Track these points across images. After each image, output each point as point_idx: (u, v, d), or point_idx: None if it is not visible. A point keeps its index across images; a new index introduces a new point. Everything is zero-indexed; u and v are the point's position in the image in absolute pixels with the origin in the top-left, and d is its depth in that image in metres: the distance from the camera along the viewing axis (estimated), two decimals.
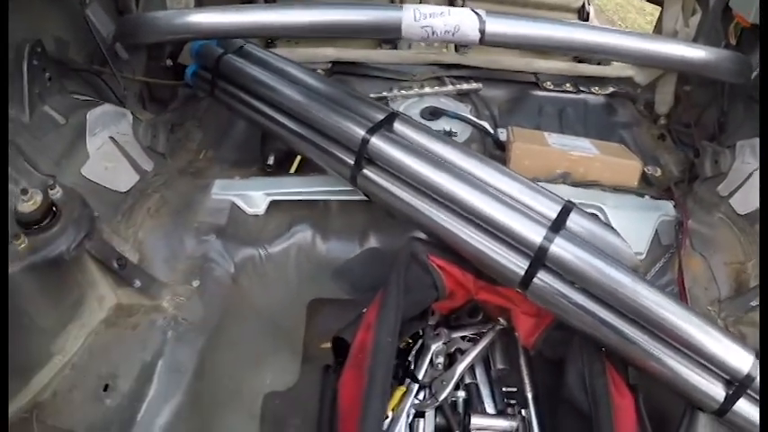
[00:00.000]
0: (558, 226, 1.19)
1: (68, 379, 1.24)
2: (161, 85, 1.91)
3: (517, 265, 1.20)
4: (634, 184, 1.64)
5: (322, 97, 1.45)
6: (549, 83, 2.04)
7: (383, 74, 2.02)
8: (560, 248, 1.15)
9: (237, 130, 1.86)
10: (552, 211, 1.22)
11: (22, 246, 1.18)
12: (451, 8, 1.28)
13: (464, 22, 1.28)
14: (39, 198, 1.20)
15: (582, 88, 2.05)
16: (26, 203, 1.19)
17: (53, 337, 1.26)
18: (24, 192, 1.18)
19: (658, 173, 1.75)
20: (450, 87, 1.95)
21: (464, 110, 1.89)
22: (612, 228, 1.27)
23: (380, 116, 1.39)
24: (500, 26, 1.28)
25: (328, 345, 1.40)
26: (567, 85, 2.05)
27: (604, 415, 1.13)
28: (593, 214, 1.35)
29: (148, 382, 1.25)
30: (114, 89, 1.69)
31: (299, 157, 1.66)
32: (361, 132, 1.34)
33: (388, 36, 1.37)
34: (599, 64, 2.18)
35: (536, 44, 1.37)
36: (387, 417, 1.28)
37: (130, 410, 1.21)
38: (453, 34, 1.29)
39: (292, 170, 1.67)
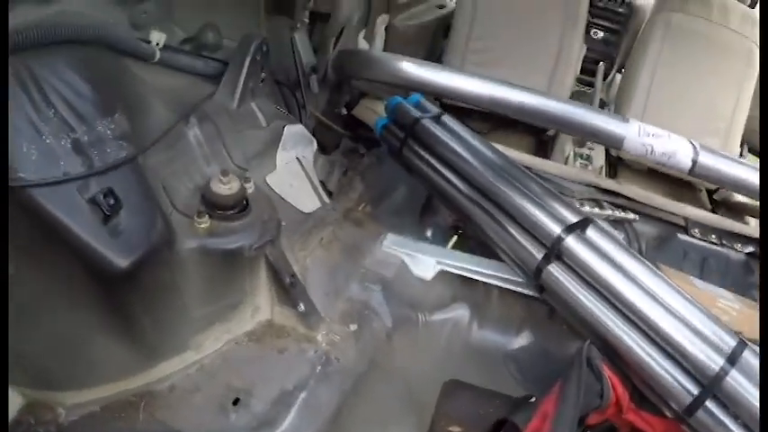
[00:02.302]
0: (733, 359, 1.17)
1: (192, 378, 1.19)
2: (333, 129, 1.95)
3: (688, 390, 1.18)
4: None
5: (519, 185, 1.47)
6: (696, 230, 2.04)
7: (543, 183, 2.03)
8: (735, 382, 1.13)
9: (398, 194, 1.86)
10: (726, 345, 1.21)
11: (203, 226, 1.14)
12: (672, 134, 1.31)
13: (680, 149, 1.31)
14: (236, 185, 1.17)
15: (724, 242, 2.05)
16: (223, 186, 1.15)
17: (195, 332, 1.21)
18: (225, 173, 1.15)
19: None
20: (609, 212, 1.96)
21: (617, 237, 1.88)
22: None
23: (573, 217, 1.40)
24: (711, 160, 1.30)
25: (456, 429, 1.36)
26: (713, 236, 2.05)
27: None
28: None
29: (285, 411, 1.17)
30: (302, 116, 1.73)
31: (455, 237, 1.67)
32: (558, 229, 1.35)
33: (608, 144, 1.39)
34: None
35: (739, 186, 1.37)
36: None
37: None
38: (669, 158, 1.32)
39: (448, 247, 1.66)
